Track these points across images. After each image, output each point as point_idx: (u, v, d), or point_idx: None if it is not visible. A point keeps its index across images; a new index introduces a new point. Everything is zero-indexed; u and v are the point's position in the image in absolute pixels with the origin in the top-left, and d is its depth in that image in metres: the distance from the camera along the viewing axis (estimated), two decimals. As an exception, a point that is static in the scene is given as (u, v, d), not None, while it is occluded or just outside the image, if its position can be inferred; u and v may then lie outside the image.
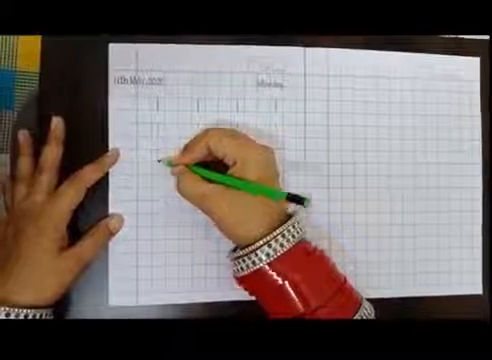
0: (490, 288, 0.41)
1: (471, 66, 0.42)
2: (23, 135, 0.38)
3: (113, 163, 0.37)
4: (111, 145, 0.38)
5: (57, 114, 0.37)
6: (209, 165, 0.36)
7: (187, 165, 0.36)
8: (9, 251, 0.34)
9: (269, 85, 0.39)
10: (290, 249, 0.32)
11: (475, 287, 0.41)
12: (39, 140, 0.37)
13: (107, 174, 0.37)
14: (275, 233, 0.32)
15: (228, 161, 0.35)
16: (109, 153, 0.37)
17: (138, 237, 0.38)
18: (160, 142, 0.38)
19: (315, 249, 0.34)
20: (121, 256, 0.37)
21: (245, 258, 0.33)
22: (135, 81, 0.38)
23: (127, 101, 0.38)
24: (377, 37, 0.40)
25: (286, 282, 0.32)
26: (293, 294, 0.32)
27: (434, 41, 0.42)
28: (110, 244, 0.37)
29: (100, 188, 0.37)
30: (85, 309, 0.37)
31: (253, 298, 0.35)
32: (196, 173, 0.35)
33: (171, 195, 0.37)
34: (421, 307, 0.40)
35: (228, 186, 0.33)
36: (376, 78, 0.40)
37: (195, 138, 0.37)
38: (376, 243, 0.40)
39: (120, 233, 0.37)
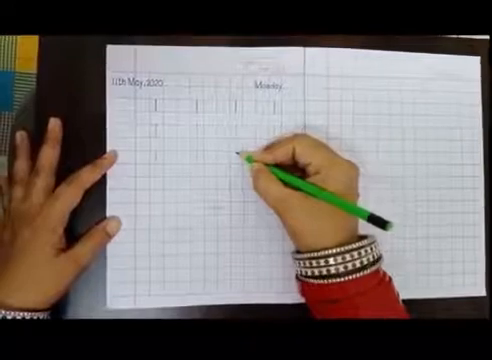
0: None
1: (471, 65, 0.41)
2: (20, 136, 0.37)
3: (111, 165, 0.37)
4: (109, 147, 0.37)
5: (54, 115, 0.37)
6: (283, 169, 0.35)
7: (266, 165, 0.35)
8: (6, 253, 0.33)
9: (268, 86, 0.39)
10: (366, 274, 0.32)
11: (478, 289, 0.41)
12: (37, 141, 0.37)
13: (105, 176, 0.37)
14: (351, 247, 0.32)
15: (311, 170, 0.34)
16: (107, 155, 0.37)
17: (136, 240, 0.37)
18: (158, 144, 0.38)
19: (385, 275, 0.34)
20: (119, 259, 0.37)
21: (313, 262, 0.32)
22: (133, 83, 0.38)
23: (125, 102, 0.38)
24: (377, 37, 0.40)
25: (349, 304, 0.32)
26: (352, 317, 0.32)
27: (434, 40, 0.41)
28: (108, 247, 0.37)
29: (98, 190, 0.37)
30: (83, 312, 0.37)
31: (250, 302, 0.35)
32: (275, 174, 0.35)
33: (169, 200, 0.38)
34: (424, 309, 0.40)
35: (307, 193, 0.33)
36: (376, 78, 0.40)
37: (282, 140, 0.36)
38: (377, 245, 0.40)
39: (118, 236, 0.37)
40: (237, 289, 0.38)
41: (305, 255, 0.33)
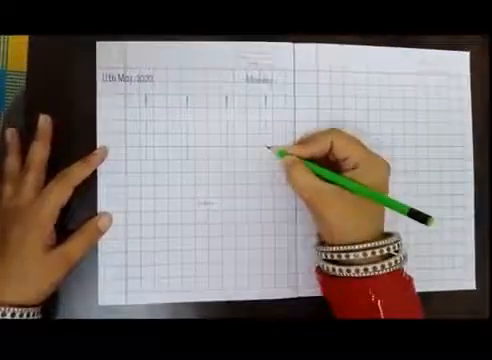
0: (484, 283, 0.41)
1: (461, 60, 0.42)
2: (11, 134, 0.37)
3: (101, 161, 0.37)
4: (99, 143, 0.37)
5: (44, 112, 0.37)
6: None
7: (300, 158, 0.35)
8: (-4, 250, 0.33)
9: (258, 81, 0.39)
10: (391, 271, 0.32)
11: (469, 283, 0.41)
12: (27, 139, 0.37)
13: (95, 172, 0.37)
14: (382, 242, 0.32)
15: (347, 164, 0.34)
16: (97, 151, 0.37)
17: (127, 236, 0.37)
18: (149, 139, 0.38)
19: (406, 274, 0.34)
20: (110, 255, 0.37)
21: (342, 255, 0.32)
22: (123, 78, 0.38)
23: (115, 98, 0.38)
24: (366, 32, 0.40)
25: (375, 301, 0.32)
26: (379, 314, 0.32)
27: (423, 36, 0.41)
28: (99, 243, 0.37)
29: (88, 186, 0.37)
30: (75, 308, 0.37)
31: (242, 298, 0.35)
32: (309, 168, 0.34)
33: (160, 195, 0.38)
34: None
35: (343, 188, 0.33)
36: (366, 73, 0.40)
37: (317, 134, 0.36)
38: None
39: (109, 232, 0.37)
40: (229, 285, 0.38)
41: (334, 248, 0.33)
